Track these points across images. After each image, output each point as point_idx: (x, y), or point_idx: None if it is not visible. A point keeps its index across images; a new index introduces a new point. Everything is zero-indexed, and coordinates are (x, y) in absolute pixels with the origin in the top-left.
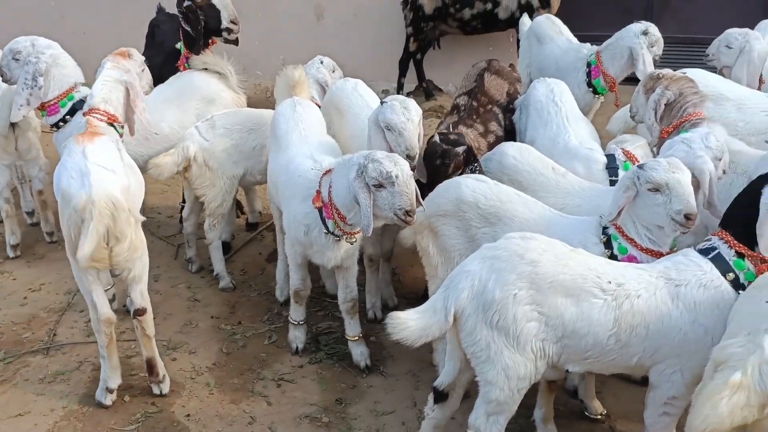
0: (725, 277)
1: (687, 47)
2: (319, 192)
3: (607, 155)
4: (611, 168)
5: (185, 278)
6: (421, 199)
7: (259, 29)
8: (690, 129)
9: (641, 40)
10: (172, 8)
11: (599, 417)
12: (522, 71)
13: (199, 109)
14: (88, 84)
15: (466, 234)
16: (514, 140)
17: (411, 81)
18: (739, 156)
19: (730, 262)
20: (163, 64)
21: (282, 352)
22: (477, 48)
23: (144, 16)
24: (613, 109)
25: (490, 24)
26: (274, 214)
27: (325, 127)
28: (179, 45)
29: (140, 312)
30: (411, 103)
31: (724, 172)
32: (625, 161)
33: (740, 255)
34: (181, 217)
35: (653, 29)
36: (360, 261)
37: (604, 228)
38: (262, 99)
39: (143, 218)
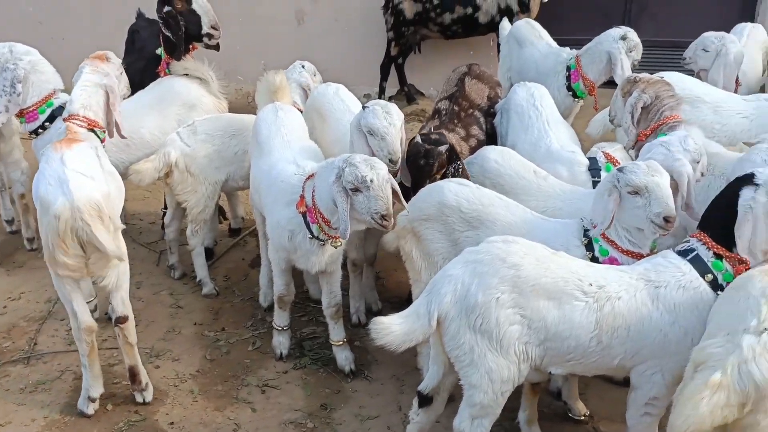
0: (704, 278)
1: (664, 50)
2: (302, 197)
3: (588, 158)
4: (593, 170)
5: (168, 285)
6: (405, 203)
7: (240, 34)
8: (668, 132)
9: (619, 45)
10: (151, 13)
11: (583, 418)
12: (502, 75)
13: (180, 114)
14: (67, 90)
15: (449, 238)
16: (496, 144)
17: (392, 85)
18: (716, 158)
19: (709, 264)
20: (143, 70)
21: (266, 358)
22: (458, 52)
23: (123, 21)
24: (592, 112)
25: (470, 28)
26: (256, 219)
27: (307, 132)
28: (159, 50)
29: (122, 320)
30: (393, 107)
31: (702, 174)
32: (606, 163)
33: (718, 256)
34: (163, 223)
35: (632, 34)
36: (343, 266)
37: (586, 230)
38: (243, 104)
39: (123, 226)
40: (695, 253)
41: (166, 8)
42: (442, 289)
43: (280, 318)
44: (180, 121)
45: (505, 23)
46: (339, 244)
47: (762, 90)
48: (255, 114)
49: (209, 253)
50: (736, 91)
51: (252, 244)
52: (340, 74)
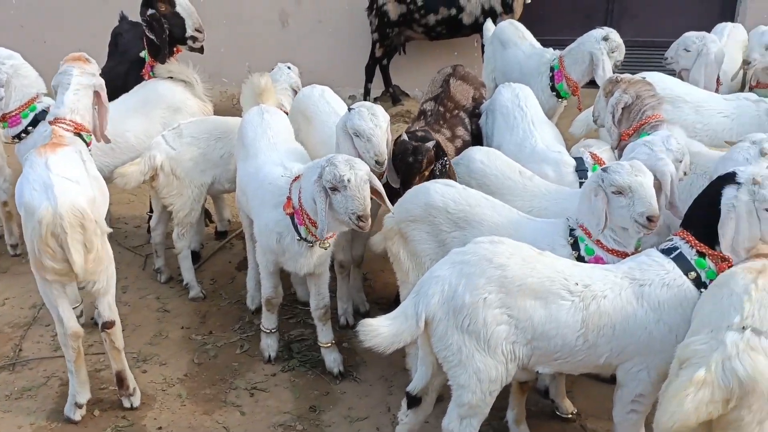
0: (687, 276)
1: (646, 51)
2: (289, 198)
3: (575, 158)
4: (580, 170)
5: (154, 289)
6: (389, 204)
7: (224, 36)
8: (650, 131)
9: (601, 46)
10: (135, 16)
11: (570, 416)
12: (487, 76)
13: (165, 117)
14: (51, 94)
15: (436, 239)
16: (481, 145)
17: (378, 86)
18: (698, 157)
19: (692, 262)
20: (127, 73)
21: (254, 361)
22: (442, 53)
23: (106, 24)
24: (576, 112)
25: (454, 29)
26: (243, 222)
27: (293, 134)
28: (143, 53)
29: (108, 325)
30: (378, 109)
31: (685, 173)
32: (593, 164)
33: (701, 254)
34: (149, 227)
35: (614, 35)
36: (331, 267)
37: (571, 230)
38: (228, 106)
39: (110, 230)
40: (678, 251)
41: (150, 11)
42: (430, 290)
43: (268, 320)
44: (165, 124)
45: (488, 24)
46: (327, 245)
47: (742, 89)
48: (240, 116)
49: (196, 256)
50: (717, 91)
51: (238, 247)
52: (325, 76)
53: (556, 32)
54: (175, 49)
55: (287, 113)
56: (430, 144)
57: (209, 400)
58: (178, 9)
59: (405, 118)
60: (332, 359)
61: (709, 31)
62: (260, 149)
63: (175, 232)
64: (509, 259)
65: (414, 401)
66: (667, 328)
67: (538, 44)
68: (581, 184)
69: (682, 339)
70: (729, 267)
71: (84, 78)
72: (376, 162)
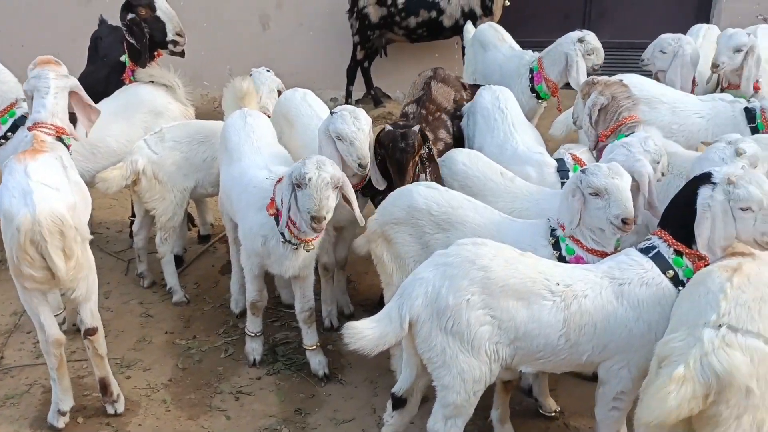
0: (665, 274)
1: (623, 52)
2: (272, 199)
3: (556, 159)
4: (562, 171)
5: (137, 294)
6: (360, 214)
7: (205, 39)
8: (627, 132)
9: (576, 47)
10: (115, 20)
11: (554, 414)
12: (468, 78)
13: (147, 122)
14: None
15: (419, 241)
16: (463, 147)
17: (359, 89)
18: (674, 157)
19: (670, 260)
20: (107, 77)
21: (239, 365)
22: (423, 55)
23: (85, 28)
24: (556, 113)
25: (435, 32)
26: (226, 225)
27: (276, 137)
28: (124, 57)
29: (91, 331)
30: (361, 112)
31: (663, 174)
32: (574, 164)
33: (679, 253)
34: (131, 231)
35: (590, 38)
36: (315, 270)
37: (553, 230)
38: (209, 110)
39: (91, 236)
40: (656, 250)
41: (130, 15)
42: (413, 292)
43: (253, 324)
44: (146, 128)
45: (469, 26)
46: (311, 247)
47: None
48: (222, 120)
49: (179, 260)
50: (692, 92)
51: (222, 251)
52: (306, 79)
53: (534, 34)
54: (155, 53)
55: (269, 116)
56: (416, 128)
57: (194, 405)
58: (159, 13)
59: (387, 120)
60: (317, 362)
61: (684, 32)
62: (244, 153)
63: (157, 236)
64: (492, 261)
65: (399, 402)
66: (647, 326)
67: (517, 46)
68: (563, 184)
69: (661, 336)
70: (706, 265)
71: (60, 81)
72: (359, 165)
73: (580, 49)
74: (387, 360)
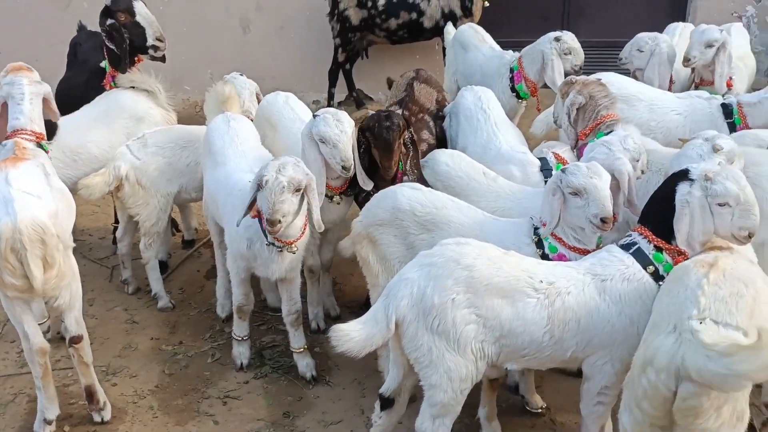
0: (646, 269)
1: (601, 51)
2: (253, 202)
3: (539, 158)
4: (545, 170)
5: (121, 300)
6: (320, 220)
7: (186, 44)
8: (606, 131)
9: (552, 46)
10: (93, 26)
11: (540, 410)
12: (449, 79)
13: (129, 128)
14: None
15: (404, 241)
16: (446, 147)
17: (341, 91)
18: (653, 155)
19: (650, 256)
20: (86, 83)
21: (226, 370)
22: (404, 57)
23: (64, 34)
24: (536, 112)
25: (416, 33)
26: (211, 230)
27: (259, 140)
28: (104, 63)
29: (76, 340)
30: (343, 115)
31: (642, 172)
32: (557, 163)
33: (659, 249)
34: (114, 238)
35: (566, 37)
36: (301, 273)
37: (535, 229)
38: (191, 114)
39: (73, 244)
40: (637, 246)
41: (109, 21)
42: (399, 292)
43: (240, 328)
44: (128, 134)
45: (449, 28)
46: (294, 249)
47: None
48: (204, 124)
49: (163, 266)
50: (670, 89)
51: (206, 256)
52: (288, 82)
53: (514, 34)
54: (136, 58)
55: (252, 120)
56: (398, 112)
57: (181, 411)
58: (138, 18)
59: None
60: (305, 364)
61: (661, 31)
62: (229, 157)
63: (142, 242)
64: (476, 260)
65: (387, 403)
66: (629, 320)
67: (497, 47)
68: (547, 183)
69: (642, 330)
70: (685, 260)
71: (34, 87)
72: (343, 167)
73: (556, 48)
74: (374, 361)
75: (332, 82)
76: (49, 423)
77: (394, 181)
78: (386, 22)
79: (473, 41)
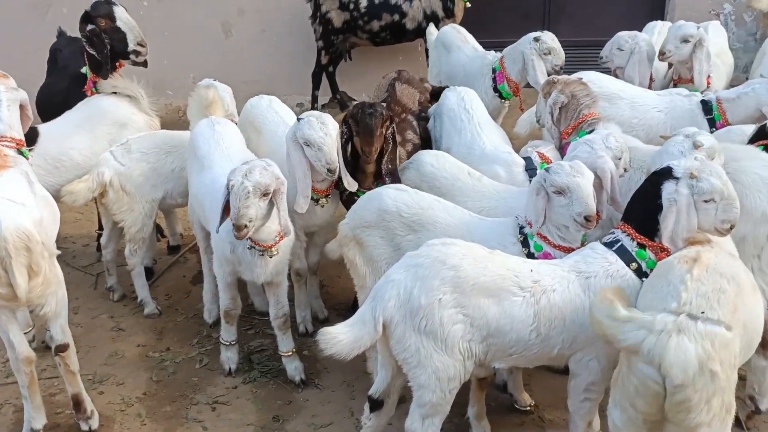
0: (629, 266)
1: (582, 50)
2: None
3: (523, 158)
4: (530, 170)
5: (107, 308)
6: (291, 225)
7: (167, 48)
8: (588, 129)
9: (532, 46)
10: (73, 31)
11: (528, 408)
12: (433, 79)
13: (111, 134)
14: None
15: (391, 243)
16: (430, 148)
17: (325, 93)
18: (634, 152)
19: (633, 253)
20: (67, 89)
21: (214, 375)
22: (387, 58)
23: (44, 41)
24: (518, 112)
25: (398, 35)
26: (197, 234)
27: (245, 144)
28: (84, 69)
29: (62, 348)
30: (328, 118)
31: (625, 170)
32: (541, 162)
33: (642, 246)
34: (99, 245)
35: (546, 37)
36: (288, 276)
37: (521, 228)
38: (174, 119)
39: (58, 251)
40: (620, 243)
41: (90, 26)
42: (386, 294)
43: (227, 333)
44: (111, 140)
45: (432, 29)
46: (274, 253)
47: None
48: (188, 129)
49: (149, 272)
50: (650, 87)
51: (192, 261)
52: (271, 85)
53: (496, 35)
54: (117, 63)
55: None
56: (382, 104)
57: (170, 418)
58: (119, 23)
59: None
60: (293, 368)
61: (640, 29)
62: (215, 161)
63: (127, 248)
64: (462, 260)
65: (376, 404)
66: None
67: (480, 47)
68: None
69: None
70: (668, 256)
71: (10, 93)
72: (328, 170)
73: (535, 48)
74: (363, 363)
75: (316, 85)
76: None
77: (377, 176)
78: (369, 24)
79: (456, 42)
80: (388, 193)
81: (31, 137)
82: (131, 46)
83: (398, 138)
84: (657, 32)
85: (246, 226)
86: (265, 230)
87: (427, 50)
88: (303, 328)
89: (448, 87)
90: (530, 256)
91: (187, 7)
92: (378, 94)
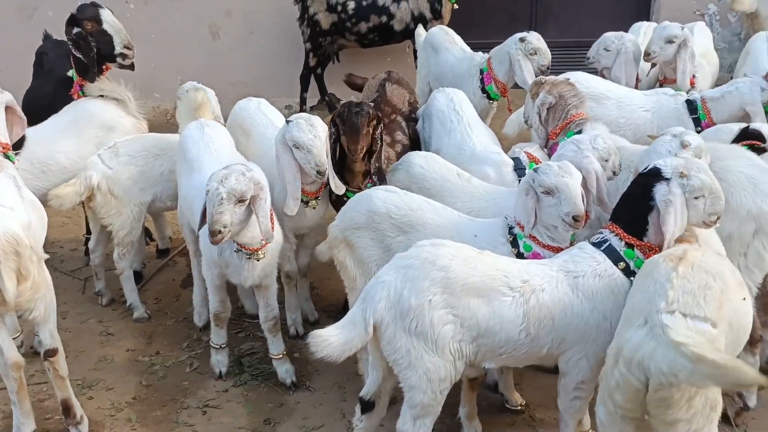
0: (617, 266)
1: (569, 51)
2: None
3: (512, 158)
4: (519, 170)
5: (95, 312)
6: (268, 230)
7: (155, 51)
8: (575, 129)
9: (518, 47)
10: (59, 35)
11: (519, 408)
12: (421, 80)
13: (99, 137)
14: None
15: (381, 244)
16: (419, 149)
17: (313, 95)
18: (622, 151)
19: (621, 252)
20: (53, 93)
21: (205, 379)
22: (376, 60)
23: (29, 44)
24: (507, 113)
25: (386, 36)
26: (186, 237)
27: (234, 146)
28: (71, 72)
29: (51, 353)
30: (317, 120)
31: (614, 173)
32: (530, 163)
33: (630, 245)
34: (87, 249)
35: (531, 37)
36: (277, 278)
37: (510, 228)
38: (162, 122)
39: (46, 255)
40: (608, 243)
41: (76, 29)
42: (376, 295)
43: (218, 336)
44: (98, 144)
45: (420, 30)
46: (261, 256)
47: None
48: (176, 132)
49: (138, 276)
50: (636, 87)
51: (182, 265)
52: (259, 87)
53: (484, 36)
54: (104, 66)
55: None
56: (370, 104)
57: (160, 422)
58: (105, 26)
59: None
60: (284, 370)
61: (626, 30)
62: (204, 163)
63: (115, 252)
64: (451, 261)
65: (367, 406)
66: (602, 316)
67: (468, 48)
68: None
69: (615, 325)
70: (655, 254)
71: None
72: (318, 172)
73: (521, 48)
74: (354, 365)
75: (304, 87)
76: None
77: (366, 176)
78: (356, 25)
79: (444, 43)
80: (378, 195)
81: (18, 141)
82: (118, 49)
83: (388, 139)
84: (643, 33)
85: (220, 232)
86: (248, 234)
87: (415, 52)
88: (293, 330)
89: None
90: (520, 256)
91: (174, 10)
92: (368, 94)
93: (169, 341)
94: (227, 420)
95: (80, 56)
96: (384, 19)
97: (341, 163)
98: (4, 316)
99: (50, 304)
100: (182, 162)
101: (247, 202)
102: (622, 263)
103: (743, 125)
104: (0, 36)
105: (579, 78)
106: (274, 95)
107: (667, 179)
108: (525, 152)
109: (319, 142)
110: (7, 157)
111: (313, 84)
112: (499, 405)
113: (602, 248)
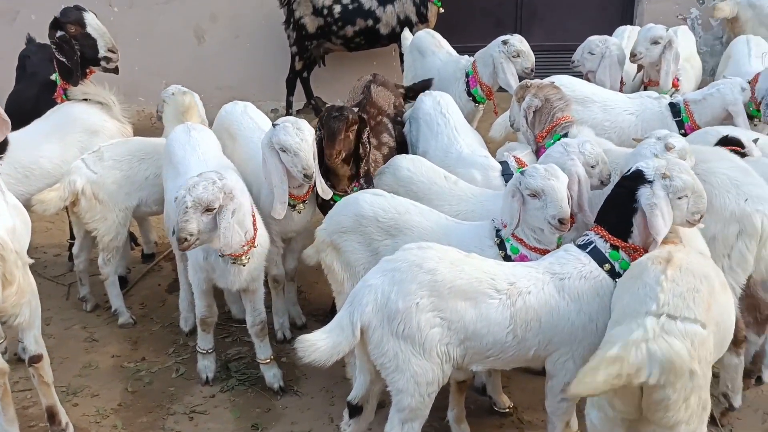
0: (602, 267)
1: (554, 54)
2: None
3: (500, 162)
4: (506, 174)
5: (79, 318)
6: (218, 236)
7: (139, 54)
8: (562, 132)
9: (500, 50)
10: (42, 38)
11: (507, 410)
12: (408, 84)
13: (83, 141)
14: None
15: (368, 248)
16: (406, 152)
17: (299, 99)
18: (607, 154)
19: (606, 254)
20: (37, 97)
21: (191, 384)
22: (362, 63)
23: (12, 48)
24: (493, 116)
25: (372, 40)
26: (172, 242)
27: (221, 150)
28: (54, 76)
29: (36, 359)
30: (303, 123)
31: (602, 182)
32: (518, 167)
33: (615, 247)
34: (71, 254)
35: (514, 40)
36: (264, 283)
37: (497, 231)
38: (147, 126)
39: (31, 260)
40: (593, 245)
41: (59, 33)
42: (363, 299)
43: (204, 341)
44: (82, 148)
45: (406, 34)
46: (244, 261)
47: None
48: (160, 135)
49: (123, 281)
50: (621, 90)
51: (167, 269)
52: (245, 91)
53: (469, 39)
54: (88, 70)
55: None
56: (353, 109)
57: (146, 429)
58: (89, 30)
59: None
60: (272, 375)
61: (610, 33)
62: (190, 166)
63: (100, 257)
64: (438, 264)
65: (355, 410)
66: (588, 317)
67: (454, 52)
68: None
69: (602, 326)
70: (641, 256)
71: None
72: (305, 176)
73: (504, 51)
74: (342, 369)
75: (290, 91)
76: None
77: (352, 179)
78: (342, 29)
79: (430, 47)
80: (365, 198)
81: (1, 145)
82: (102, 53)
83: (374, 141)
84: (627, 36)
85: (186, 240)
86: (220, 240)
87: (401, 55)
88: (281, 334)
89: (424, 81)
90: (507, 258)
91: (159, 13)
92: (353, 96)
93: (155, 347)
94: (214, 426)
95: (64, 60)
96: (370, 22)
97: (327, 166)
98: None
99: (35, 310)
100: (168, 165)
101: (215, 210)
102: (607, 265)
103: (728, 128)
104: None
105: (564, 81)
106: (260, 99)
107: (650, 181)
108: (513, 156)
109: (306, 145)
110: None
111: (299, 88)
112: (488, 407)
113: (587, 250)
